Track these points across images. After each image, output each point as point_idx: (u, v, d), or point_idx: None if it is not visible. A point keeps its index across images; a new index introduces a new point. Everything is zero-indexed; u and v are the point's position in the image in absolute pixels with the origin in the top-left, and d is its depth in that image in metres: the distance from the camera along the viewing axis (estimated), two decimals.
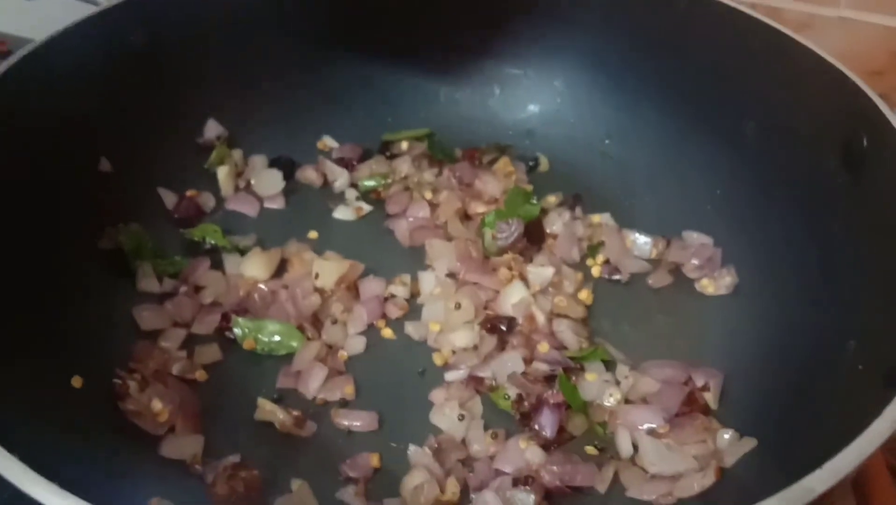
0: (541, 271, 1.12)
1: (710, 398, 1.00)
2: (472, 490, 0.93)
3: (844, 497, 0.94)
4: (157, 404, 0.96)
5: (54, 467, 0.77)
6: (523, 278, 1.12)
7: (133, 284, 1.13)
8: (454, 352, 1.06)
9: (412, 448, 0.95)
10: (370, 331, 1.10)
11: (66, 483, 0.70)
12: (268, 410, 0.97)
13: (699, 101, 1.26)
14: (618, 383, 1.02)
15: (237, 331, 1.07)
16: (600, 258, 1.21)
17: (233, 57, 1.30)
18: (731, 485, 0.89)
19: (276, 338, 1.06)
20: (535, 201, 1.26)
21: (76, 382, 0.96)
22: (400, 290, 1.13)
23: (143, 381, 0.99)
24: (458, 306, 1.07)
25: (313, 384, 1.02)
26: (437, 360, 1.06)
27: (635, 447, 0.96)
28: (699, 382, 1.01)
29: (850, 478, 0.70)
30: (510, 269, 1.13)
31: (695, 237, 1.21)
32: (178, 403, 0.97)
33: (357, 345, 1.08)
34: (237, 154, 1.33)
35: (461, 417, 0.98)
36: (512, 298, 1.08)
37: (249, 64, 1.33)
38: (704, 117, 1.26)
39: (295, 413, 0.96)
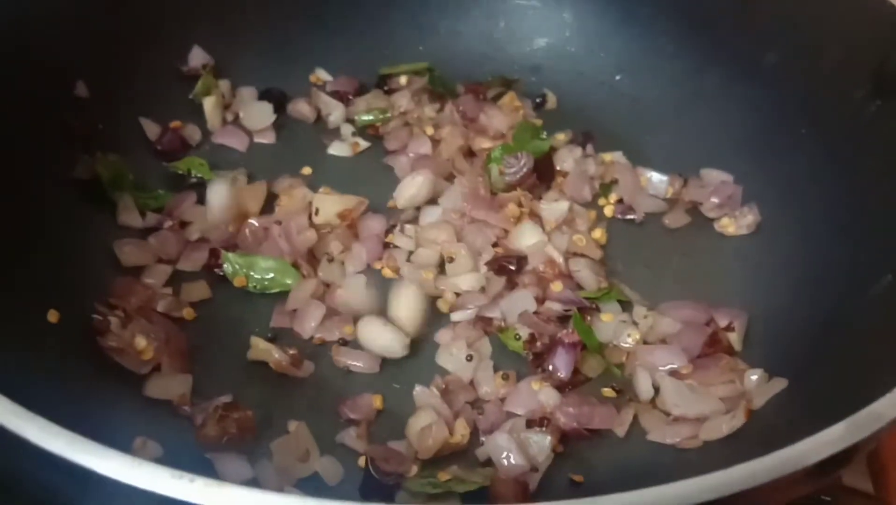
0: (554, 207, 1.05)
1: (735, 339, 0.94)
2: (482, 433, 0.87)
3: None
4: (140, 341, 0.88)
5: (27, 406, 0.71)
6: (534, 216, 1.05)
7: (113, 217, 1.05)
8: (458, 294, 0.99)
9: (418, 388, 0.89)
10: (370, 270, 1.03)
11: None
12: (261, 348, 0.90)
13: (717, 31, 1.19)
14: (636, 324, 0.96)
15: (227, 267, 0.99)
16: (613, 197, 1.14)
17: None
18: (760, 427, 0.83)
19: (270, 275, 0.99)
20: (544, 136, 1.19)
21: (52, 316, 0.88)
22: (403, 240, 1.04)
23: (125, 317, 0.92)
24: (450, 259, 0.99)
25: (310, 323, 0.95)
26: (442, 306, 0.98)
27: (656, 389, 0.90)
28: (722, 323, 0.95)
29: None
30: (519, 205, 1.05)
31: (714, 175, 1.15)
32: (164, 340, 0.89)
33: (356, 284, 1.00)
34: (224, 85, 1.24)
35: (469, 358, 0.91)
36: (526, 240, 1.01)
37: None
38: (722, 48, 1.19)
39: (291, 352, 0.89)
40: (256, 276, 0.99)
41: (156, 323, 0.91)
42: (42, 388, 0.79)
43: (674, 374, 0.90)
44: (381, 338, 0.90)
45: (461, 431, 0.84)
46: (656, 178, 1.15)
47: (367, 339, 0.91)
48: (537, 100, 1.30)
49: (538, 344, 0.91)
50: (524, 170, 1.09)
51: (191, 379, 0.89)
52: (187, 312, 0.96)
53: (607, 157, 1.20)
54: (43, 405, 0.76)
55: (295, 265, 1.00)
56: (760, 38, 1.13)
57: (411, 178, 1.08)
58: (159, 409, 0.86)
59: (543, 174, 1.13)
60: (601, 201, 1.14)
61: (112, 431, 0.78)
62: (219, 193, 1.05)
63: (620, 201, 1.13)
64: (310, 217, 1.05)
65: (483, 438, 0.86)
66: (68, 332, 0.88)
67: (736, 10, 1.16)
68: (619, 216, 1.12)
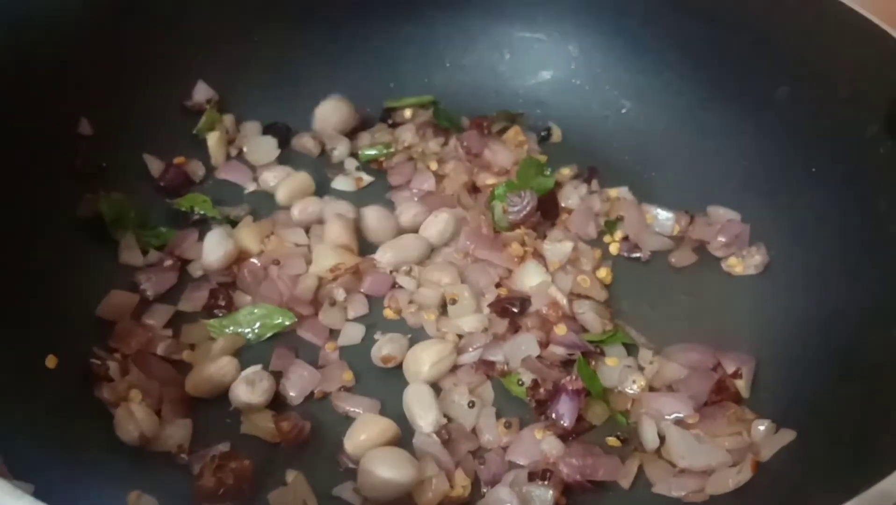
0: (558, 247, 1.03)
1: (742, 386, 0.92)
2: (483, 484, 0.85)
3: None
4: (136, 395, 0.87)
5: (21, 457, 0.71)
6: (538, 255, 1.03)
7: (115, 256, 1.04)
8: (461, 336, 0.97)
9: (418, 437, 0.87)
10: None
11: (32, 474, 0.63)
12: (254, 422, 0.88)
13: (726, 65, 1.17)
14: (641, 369, 0.94)
15: (214, 334, 0.97)
16: (619, 234, 1.12)
17: (223, 13, 1.21)
18: (768, 480, 0.81)
19: (257, 324, 0.97)
20: (548, 173, 1.17)
21: (50, 361, 0.88)
22: (406, 281, 1.02)
23: (123, 360, 0.91)
24: (453, 301, 0.98)
25: (300, 393, 0.93)
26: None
27: (661, 439, 0.88)
28: (729, 369, 0.93)
29: None
30: (523, 244, 1.04)
31: (721, 213, 1.13)
32: (160, 392, 0.88)
33: (355, 332, 0.99)
34: (229, 119, 1.24)
35: (471, 404, 0.90)
36: (530, 280, 1.00)
37: (240, 21, 1.23)
38: (732, 83, 1.17)
39: (283, 423, 0.86)
40: (245, 329, 0.97)
41: (154, 369, 0.90)
42: (37, 437, 0.79)
43: (680, 423, 0.88)
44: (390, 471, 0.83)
45: (462, 484, 0.83)
46: (663, 215, 1.13)
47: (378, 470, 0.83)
48: (542, 133, 1.29)
49: (541, 390, 0.90)
50: (528, 208, 1.07)
51: (191, 424, 0.88)
52: (187, 355, 0.95)
53: (613, 192, 1.18)
54: (37, 454, 0.77)
55: (291, 309, 0.98)
56: (770, 73, 1.11)
57: (434, 216, 1.07)
58: (156, 458, 0.85)
59: (547, 212, 1.12)
60: (606, 238, 1.13)
61: (109, 484, 0.79)
62: (215, 242, 1.04)
63: (626, 239, 1.12)
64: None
65: (484, 490, 0.84)
66: (66, 377, 0.88)
67: (745, 45, 1.14)
68: (625, 254, 1.10)
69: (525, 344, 0.93)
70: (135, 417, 0.83)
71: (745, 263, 1.08)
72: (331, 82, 1.30)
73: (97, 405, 0.88)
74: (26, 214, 0.97)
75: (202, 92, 1.22)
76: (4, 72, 0.98)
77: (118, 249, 1.05)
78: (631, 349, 0.98)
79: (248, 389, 0.87)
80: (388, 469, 0.80)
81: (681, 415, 0.88)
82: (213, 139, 1.19)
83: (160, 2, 1.15)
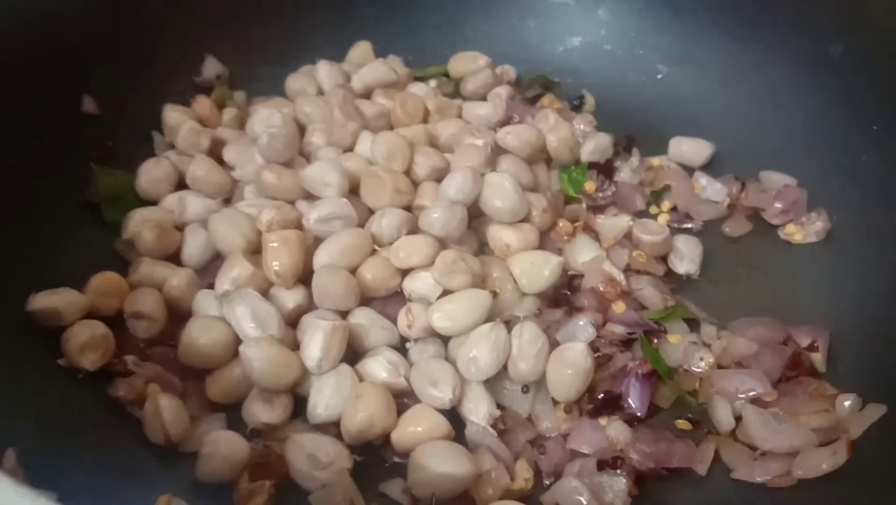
0: (614, 222, 0.95)
1: (818, 360, 0.85)
2: (545, 475, 0.77)
3: None
4: (155, 390, 0.78)
5: (39, 463, 0.63)
6: (588, 230, 0.96)
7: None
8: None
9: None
10: None
11: (53, 481, 0.56)
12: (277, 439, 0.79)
13: (774, 23, 1.10)
14: (707, 346, 0.87)
15: None
16: (666, 205, 1.05)
17: None
18: (859, 461, 0.74)
19: None
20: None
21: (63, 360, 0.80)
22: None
23: (140, 353, 0.83)
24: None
25: None
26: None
27: (736, 420, 0.80)
28: (803, 342, 0.86)
29: None
30: (574, 221, 0.96)
31: (775, 178, 1.05)
32: (182, 386, 0.81)
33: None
34: (240, 96, 1.15)
35: (525, 389, 0.82)
36: (582, 256, 0.92)
37: None
38: (781, 42, 1.09)
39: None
40: None
41: (174, 361, 0.82)
42: (53, 439, 0.71)
43: (756, 401, 0.81)
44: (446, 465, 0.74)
45: (523, 476, 0.76)
46: (711, 182, 1.05)
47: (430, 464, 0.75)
48: (574, 102, 1.21)
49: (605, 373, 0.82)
50: (613, 189, 1.00)
51: (224, 419, 0.80)
52: None
53: (655, 161, 1.11)
54: (55, 459, 0.69)
55: None
56: (825, 29, 1.04)
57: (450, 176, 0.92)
58: (188, 458, 0.77)
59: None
60: (653, 209, 1.05)
61: (134, 485, 0.71)
62: (197, 239, 0.95)
63: (675, 209, 1.04)
64: None
65: (547, 482, 0.77)
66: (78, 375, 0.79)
67: (793, 2, 1.06)
68: (675, 225, 1.02)
69: (580, 327, 0.85)
70: (162, 415, 0.75)
71: (804, 230, 1.00)
72: (344, 53, 1.23)
73: (116, 404, 0.79)
74: (30, 198, 0.89)
75: (212, 67, 1.15)
76: (4, 48, 0.90)
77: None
78: (692, 325, 0.90)
79: (265, 407, 0.79)
80: (443, 463, 0.73)
81: (757, 392, 0.81)
82: (228, 116, 1.10)
83: None
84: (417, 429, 0.77)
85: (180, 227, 0.97)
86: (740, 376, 0.82)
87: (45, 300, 0.80)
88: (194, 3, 1.11)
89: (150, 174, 1.00)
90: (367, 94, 1.13)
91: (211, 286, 0.90)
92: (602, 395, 0.79)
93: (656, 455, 0.75)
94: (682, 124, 1.15)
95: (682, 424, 0.81)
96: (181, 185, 1.01)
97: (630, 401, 0.79)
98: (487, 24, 1.27)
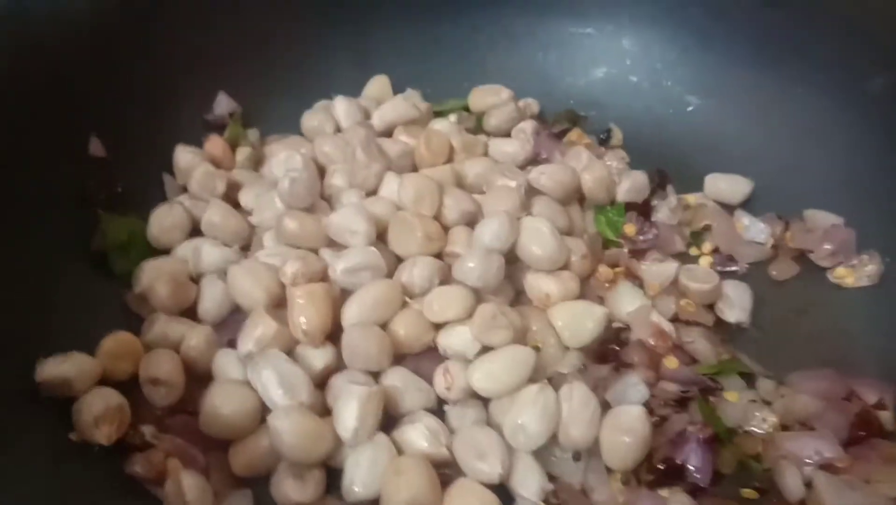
0: (660, 269, 0.90)
1: (887, 418, 0.79)
2: None
3: None
4: (175, 466, 0.72)
5: None
6: (631, 275, 0.90)
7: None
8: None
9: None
10: None
11: None
12: None
13: (809, 55, 1.05)
14: (767, 404, 0.81)
15: None
16: (707, 246, 1.00)
17: (245, 19, 1.08)
18: None
19: None
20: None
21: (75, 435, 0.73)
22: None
23: (157, 423, 0.76)
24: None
25: None
26: None
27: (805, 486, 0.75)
28: (869, 398, 0.80)
29: None
30: (614, 266, 0.91)
31: (820, 217, 1.00)
32: (205, 459, 0.74)
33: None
34: (253, 134, 1.10)
35: (577, 457, 0.76)
36: (626, 305, 0.86)
37: (263, 25, 1.10)
38: (817, 74, 1.04)
39: None
40: None
41: (194, 432, 0.75)
42: None
43: (826, 466, 0.75)
44: None
45: None
46: (754, 222, 1.00)
47: None
48: (601, 135, 1.16)
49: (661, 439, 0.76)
50: (655, 232, 0.95)
51: (251, 496, 0.74)
52: None
53: (691, 198, 1.05)
54: None
55: None
56: (862, 61, 1.00)
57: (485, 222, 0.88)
58: None
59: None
60: (693, 251, 1.00)
61: None
62: (214, 292, 0.88)
63: (717, 251, 0.99)
64: None
65: None
66: (92, 452, 0.73)
67: (832, 32, 1.02)
68: (720, 269, 0.97)
69: (632, 386, 0.79)
70: (185, 496, 0.68)
71: (856, 273, 0.95)
72: (361, 90, 1.17)
73: (133, 482, 0.73)
74: (31, 250, 0.83)
75: (224, 104, 1.09)
76: (10, 93, 0.84)
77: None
78: (747, 379, 0.84)
79: (297, 484, 0.72)
80: None
81: (827, 457, 0.75)
82: (241, 155, 1.04)
83: (174, 7, 1.02)
84: None
85: (195, 279, 0.90)
86: (808, 440, 0.76)
87: (55, 369, 0.73)
88: (204, 38, 1.06)
89: (162, 221, 0.94)
90: (387, 132, 1.07)
91: (231, 343, 0.83)
92: (663, 464, 0.73)
93: None
94: (714, 159, 1.10)
95: (749, 493, 0.76)
96: (195, 231, 0.95)
97: (692, 469, 0.73)
98: (506, 55, 1.23)
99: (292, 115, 1.12)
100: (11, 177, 0.83)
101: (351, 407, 0.73)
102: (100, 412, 0.72)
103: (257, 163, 1.06)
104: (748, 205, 1.05)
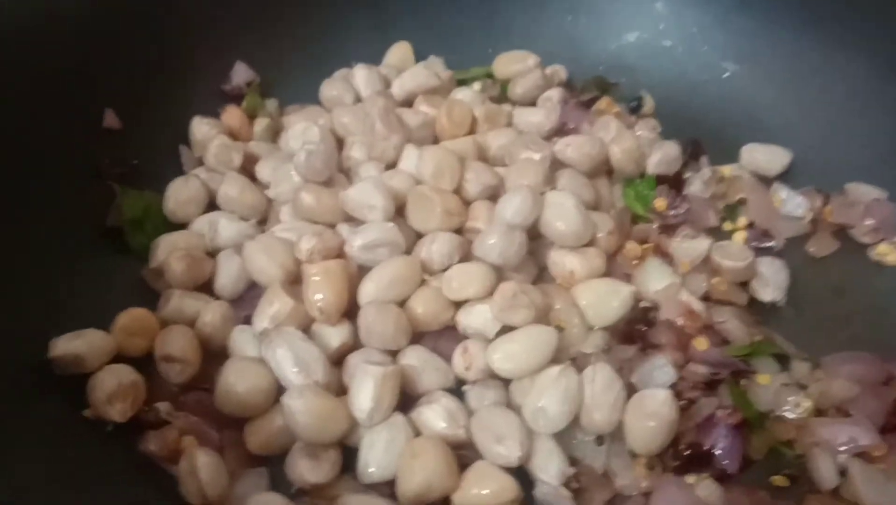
0: (691, 245, 0.86)
1: None
2: None
3: None
4: (191, 443, 0.71)
5: None
6: (660, 252, 0.86)
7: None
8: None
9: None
10: None
11: None
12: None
13: (852, 18, 0.99)
14: (801, 388, 0.77)
15: None
16: (742, 221, 0.95)
17: None
18: None
19: None
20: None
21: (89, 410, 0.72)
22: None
23: (173, 400, 0.76)
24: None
25: None
26: None
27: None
28: None
29: None
30: (642, 242, 0.87)
31: (862, 190, 0.95)
32: (220, 437, 0.73)
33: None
34: (271, 105, 1.07)
35: (599, 441, 0.73)
36: (655, 283, 0.83)
37: None
38: (860, 39, 0.99)
39: None
40: None
41: (210, 409, 0.75)
42: (82, 500, 0.64)
43: (862, 455, 0.71)
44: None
45: None
46: (792, 195, 0.95)
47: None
48: (632, 104, 1.11)
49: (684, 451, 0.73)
50: (687, 206, 0.91)
51: (267, 474, 0.73)
52: None
53: (726, 170, 1.01)
54: None
55: None
56: None
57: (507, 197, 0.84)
58: None
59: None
60: (727, 226, 0.95)
61: None
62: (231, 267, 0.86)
63: (751, 225, 0.94)
64: None
65: None
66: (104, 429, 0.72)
67: None
68: (754, 245, 0.92)
69: (659, 368, 0.76)
70: (199, 474, 0.68)
71: None
72: (382, 58, 1.14)
73: (147, 460, 0.72)
74: (45, 225, 0.82)
75: (241, 74, 1.07)
76: (22, 64, 0.83)
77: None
78: (781, 362, 0.81)
79: (311, 464, 0.71)
80: None
81: (863, 445, 0.71)
82: (259, 126, 1.02)
83: None
84: (482, 491, 0.68)
85: (211, 253, 0.89)
86: (843, 427, 0.73)
87: (68, 345, 0.73)
88: (220, 6, 1.03)
89: (179, 195, 0.92)
90: (408, 102, 1.04)
91: (247, 320, 0.82)
92: (689, 450, 0.70)
93: None
94: (751, 129, 1.05)
95: (780, 480, 0.73)
96: (212, 205, 0.94)
97: (720, 455, 0.70)
98: (533, 19, 1.18)
99: (312, 85, 1.09)
100: (25, 151, 0.82)
101: (367, 387, 0.71)
102: (113, 389, 0.71)
103: (275, 134, 1.03)
104: (786, 177, 1.00)
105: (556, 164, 0.92)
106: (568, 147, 0.92)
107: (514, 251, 0.80)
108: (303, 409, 0.69)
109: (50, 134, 0.85)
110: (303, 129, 0.95)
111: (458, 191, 0.88)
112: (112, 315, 0.79)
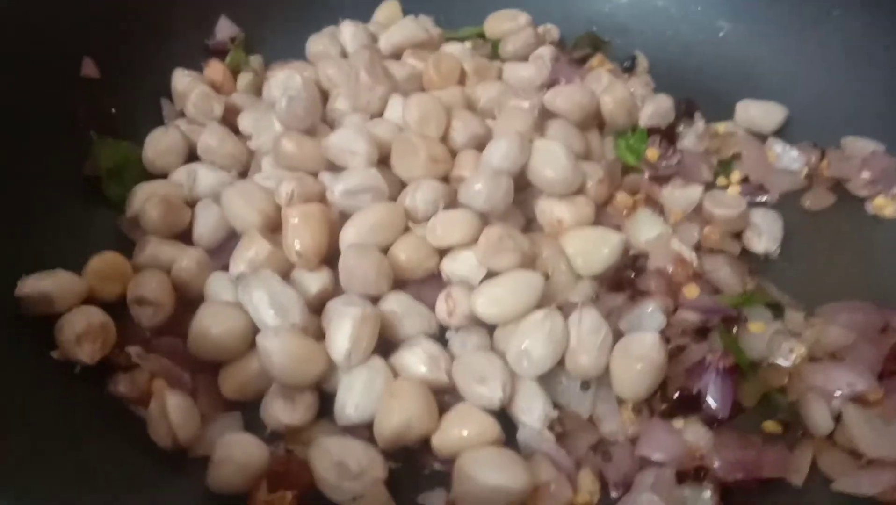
0: (682, 193, 0.84)
1: None
2: (611, 487, 0.67)
3: None
4: (161, 387, 0.69)
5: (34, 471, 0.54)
6: (651, 202, 0.84)
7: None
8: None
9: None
10: None
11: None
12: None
13: None
14: (795, 335, 0.75)
15: None
16: (736, 175, 0.93)
17: None
18: None
19: None
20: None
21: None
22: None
23: (145, 344, 0.73)
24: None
25: None
26: None
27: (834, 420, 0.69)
28: None
29: None
30: (633, 193, 0.85)
31: (860, 144, 0.93)
32: (192, 380, 0.71)
33: None
34: (256, 61, 1.05)
35: (585, 386, 0.71)
36: (645, 232, 0.81)
37: None
38: None
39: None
40: None
41: (182, 353, 0.72)
42: (49, 443, 0.62)
43: (857, 399, 0.69)
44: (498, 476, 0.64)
45: (588, 488, 0.65)
46: (787, 150, 0.93)
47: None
48: (625, 63, 1.08)
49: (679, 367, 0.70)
50: (679, 157, 0.89)
51: (240, 418, 0.71)
52: None
53: (720, 127, 0.98)
54: (51, 466, 0.60)
55: None
56: None
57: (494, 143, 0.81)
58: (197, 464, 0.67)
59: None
60: (721, 181, 0.93)
61: (138, 497, 0.62)
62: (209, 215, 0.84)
63: (746, 180, 0.92)
64: None
65: (614, 494, 0.66)
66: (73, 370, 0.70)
67: None
68: (748, 199, 0.90)
69: (648, 314, 0.73)
70: (169, 416, 0.65)
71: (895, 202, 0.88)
72: (370, 15, 1.11)
73: (117, 402, 0.70)
74: (21, 173, 0.80)
75: (225, 29, 1.05)
76: None
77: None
78: (775, 310, 0.78)
79: (287, 406, 0.69)
80: (494, 474, 0.62)
81: (859, 389, 0.69)
82: (243, 82, 1.00)
83: None
84: (462, 432, 0.66)
85: (191, 203, 0.86)
86: (838, 371, 0.71)
87: (36, 284, 0.70)
88: None
89: (158, 145, 0.90)
90: (396, 56, 1.02)
91: (225, 268, 0.79)
92: (678, 393, 0.68)
93: (744, 464, 0.64)
94: (747, 87, 1.03)
95: (771, 426, 0.70)
96: (192, 156, 0.91)
97: (710, 400, 0.68)
98: None
99: (298, 42, 1.07)
100: None
101: (344, 328, 0.69)
102: (82, 329, 0.69)
103: (259, 89, 1.01)
104: (782, 134, 0.98)
105: (546, 116, 0.90)
106: (557, 97, 0.89)
107: (501, 197, 0.77)
108: (279, 349, 0.67)
109: (26, 81, 0.83)
110: (285, 78, 0.92)
111: (444, 140, 0.86)
112: (87, 262, 0.77)
